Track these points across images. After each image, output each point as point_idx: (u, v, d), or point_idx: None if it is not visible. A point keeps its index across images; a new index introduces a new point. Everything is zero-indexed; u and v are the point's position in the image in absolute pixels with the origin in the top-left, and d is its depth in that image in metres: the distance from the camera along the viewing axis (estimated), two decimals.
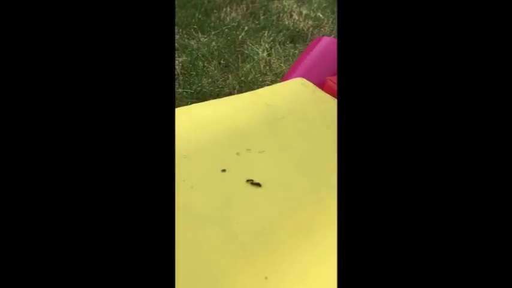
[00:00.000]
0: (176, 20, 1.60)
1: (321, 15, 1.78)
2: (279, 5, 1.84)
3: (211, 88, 1.30)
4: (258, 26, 1.67)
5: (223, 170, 0.57)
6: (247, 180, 0.56)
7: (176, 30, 1.55)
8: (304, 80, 0.83)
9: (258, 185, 0.55)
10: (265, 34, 1.59)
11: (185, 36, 1.55)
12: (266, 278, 0.44)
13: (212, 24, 1.64)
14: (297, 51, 1.52)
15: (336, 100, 0.78)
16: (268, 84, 1.28)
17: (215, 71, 1.38)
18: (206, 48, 1.47)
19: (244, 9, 1.79)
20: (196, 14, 1.68)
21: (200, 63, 1.41)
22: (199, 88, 1.29)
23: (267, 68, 1.44)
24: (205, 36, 1.56)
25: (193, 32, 1.57)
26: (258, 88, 0.82)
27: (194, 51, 1.45)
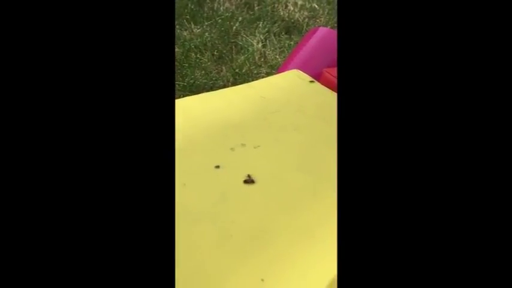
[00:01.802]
0: None
1: (316, 6, 1.76)
2: None
3: (205, 80, 1.28)
4: (252, 16, 1.64)
5: (217, 166, 0.55)
6: (244, 178, 0.54)
7: None
8: (300, 72, 0.82)
9: (253, 181, 0.53)
10: (260, 25, 1.57)
11: (177, 27, 1.52)
12: (262, 280, 0.42)
13: (205, 14, 1.61)
14: (292, 43, 1.50)
15: (332, 92, 0.77)
16: (263, 77, 1.26)
17: (208, 63, 1.36)
18: (199, 40, 1.44)
19: None
20: (189, 4, 1.64)
21: (193, 54, 1.38)
22: (192, 80, 1.27)
23: (262, 59, 1.41)
24: (198, 27, 1.53)
25: (186, 23, 1.54)
26: (252, 80, 0.80)
27: (187, 43, 1.42)
